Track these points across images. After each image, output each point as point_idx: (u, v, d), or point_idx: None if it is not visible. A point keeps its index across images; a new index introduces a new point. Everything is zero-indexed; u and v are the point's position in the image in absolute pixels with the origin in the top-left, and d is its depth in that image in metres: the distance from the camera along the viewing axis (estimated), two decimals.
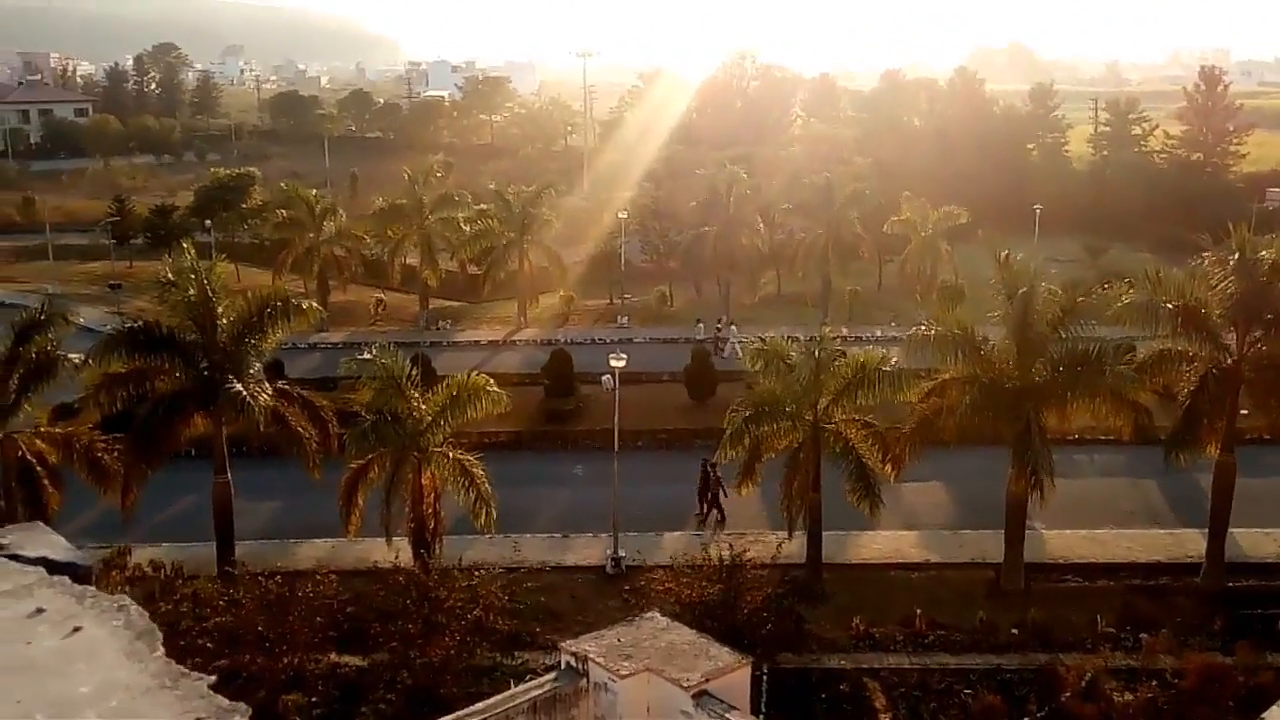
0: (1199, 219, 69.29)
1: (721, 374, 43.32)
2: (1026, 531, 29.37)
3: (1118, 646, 25.56)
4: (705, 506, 33.63)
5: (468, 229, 57.66)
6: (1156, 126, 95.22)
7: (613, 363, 31.87)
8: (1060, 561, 30.90)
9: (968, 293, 50.82)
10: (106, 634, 1.73)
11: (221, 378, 27.64)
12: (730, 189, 58.12)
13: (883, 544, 31.77)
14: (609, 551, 30.75)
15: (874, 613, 27.25)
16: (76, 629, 1.74)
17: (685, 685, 11.99)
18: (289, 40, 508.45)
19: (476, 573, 24.73)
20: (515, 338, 55.44)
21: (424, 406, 27.42)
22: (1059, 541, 31.89)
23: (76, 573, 1.96)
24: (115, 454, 27.45)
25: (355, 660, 24.01)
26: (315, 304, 34.07)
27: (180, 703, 1.62)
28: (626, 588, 28.59)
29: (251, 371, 28.43)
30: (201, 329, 28.36)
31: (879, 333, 49.90)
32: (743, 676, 12.81)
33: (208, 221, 66.48)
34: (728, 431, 28.38)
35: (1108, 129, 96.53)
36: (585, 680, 12.47)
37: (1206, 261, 30.87)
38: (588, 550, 31.70)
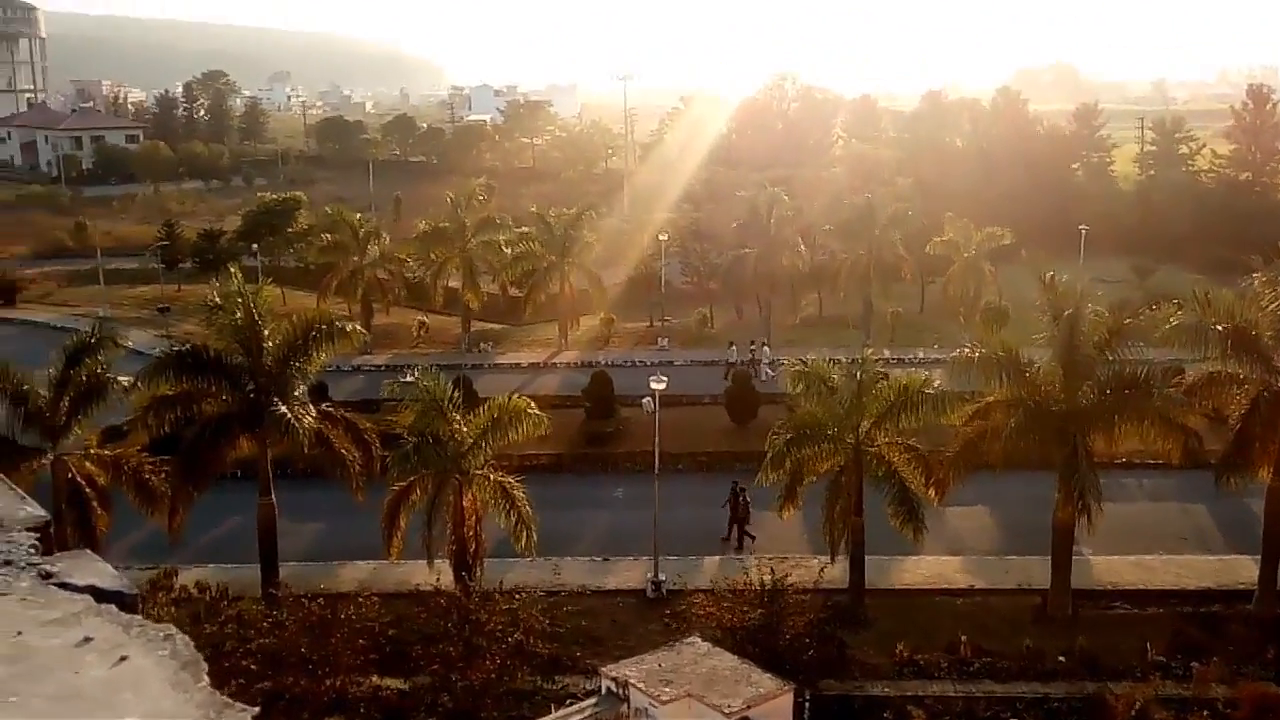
0: (1248, 239, 68.52)
1: (763, 396, 43.16)
2: (1074, 557, 28.92)
3: (1168, 675, 25.07)
4: (733, 530, 33.51)
5: (509, 252, 58.04)
6: (1204, 145, 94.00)
7: (653, 385, 31.87)
8: (1109, 588, 30.38)
9: (1012, 314, 50.41)
10: (153, 664, 1.74)
11: (267, 400, 27.95)
12: (771, 210, 58.08)
13: (927, 569, 31.42)
14: (649, 575, 30.65)
15: (918, 639, 26.92)
16: (123, 658, 1.75)
17: (727, 712, 11.91)
18: (335, 66, 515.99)
19: (517, 596, 24.75)
20: (556, 360, 55.62)
21: (465, 429, 27.57)
22: (1107, 567, 31.37)
23: (124, 601, 1.98)
24: (163, 476, 27.80)
25: (397, 683, 24.08)
26: (359, 327, 34.36)
27: None
28: (667, 612, 28.47)
29: (296, 394, 28.75)
30: (248, 352, 28.72)
31: (921, 355, 49.56)
32: (785, 703, 12.71)
33: (254, 246, 67.41)
34: (769, 454, 28.23)
35: (1154, 148, 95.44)
36: (626, 705, 12.42)
37: (1257, 282, 30.42)
38: (628, 574, 31.62)
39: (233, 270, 31.67)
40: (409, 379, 29.05)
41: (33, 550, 2.14)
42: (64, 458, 27.22)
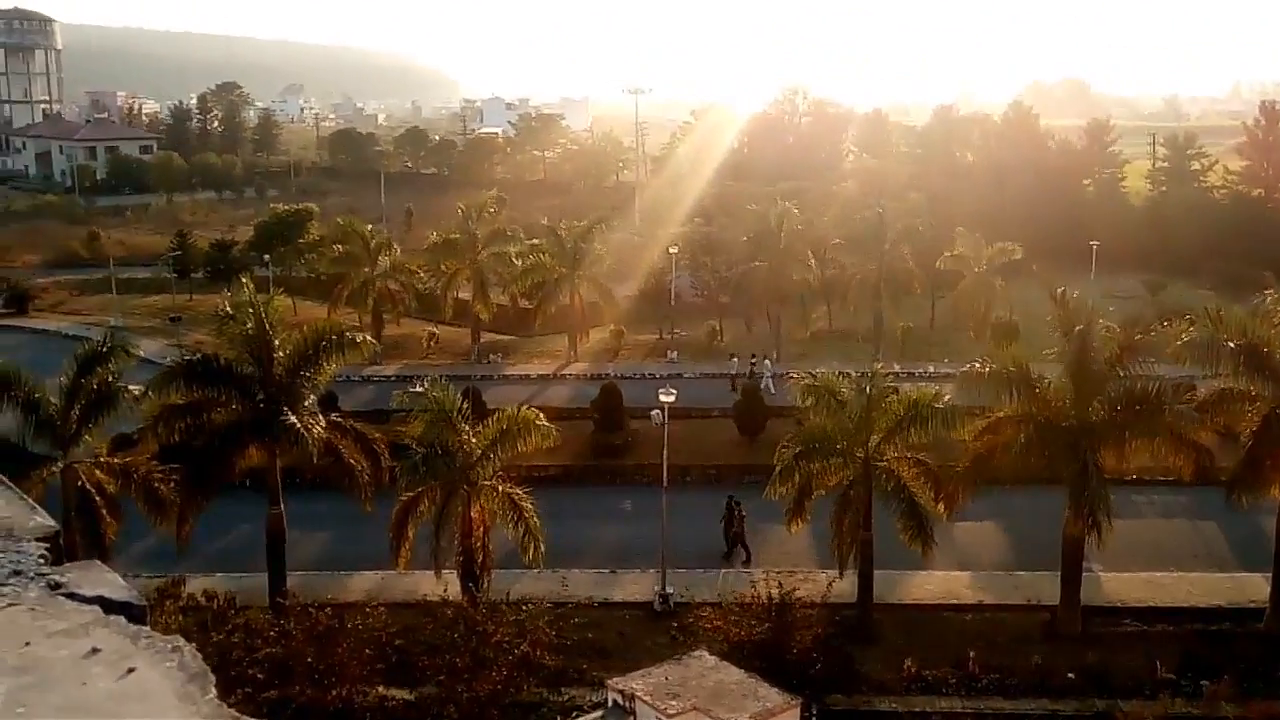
0: (1261, 255, 68.50)
1: (772, 410, 43.11)
2: (1084, 573, 28.80)
3: (1178, 693, 24.92)
4: (731, 544, 33.44)
5: (519, 264, 58.14)
6: (1216, 161, 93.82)
7: (662, 398, 31.88)
8: (1118, 605, 30.22)
9: (1022, 329, 50.26)
10: (160, 675, 1.75)
11: (277, 410, 28.01)
12: (781, 224, 58.07)
13: (935, 584, 31.30)
14: (657, 588, 30.60)
15: (926, 654, 26.81)
16: (131, 670, 1.76)
17: None
18: (348, 79, 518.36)
19: (524, 607, 24.73)
20: (565, 372, 55.66)
21: (474, 440, 27.60)
22: (1117, 584, 31.22)
23: (132, 612, 1.99)
24: (172, 484, 27.88)
25: (403, 694, 24.06)
26: (369, 337, 34.43)
27: None
28: (674, 625, 28.41)
29: (306, 404, 28.80)
30: (258, 362, 28.81)
31: (931, 369, 49.44)
32: (792, 718, 12.67)
33: (266, 256, 67.70)
34: (778, 468, 28.20)
35: (1166, 164, 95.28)
36: (632, 718, 12.39)
37: (1269, 298, 30.32)
38: (635, 586, 31.57)
39: (244, 280, 31.80)
40: (418, 390, 29.12)
41: (42, 560, 2.15)
42: (74, 465, 27.32)
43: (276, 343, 29.02)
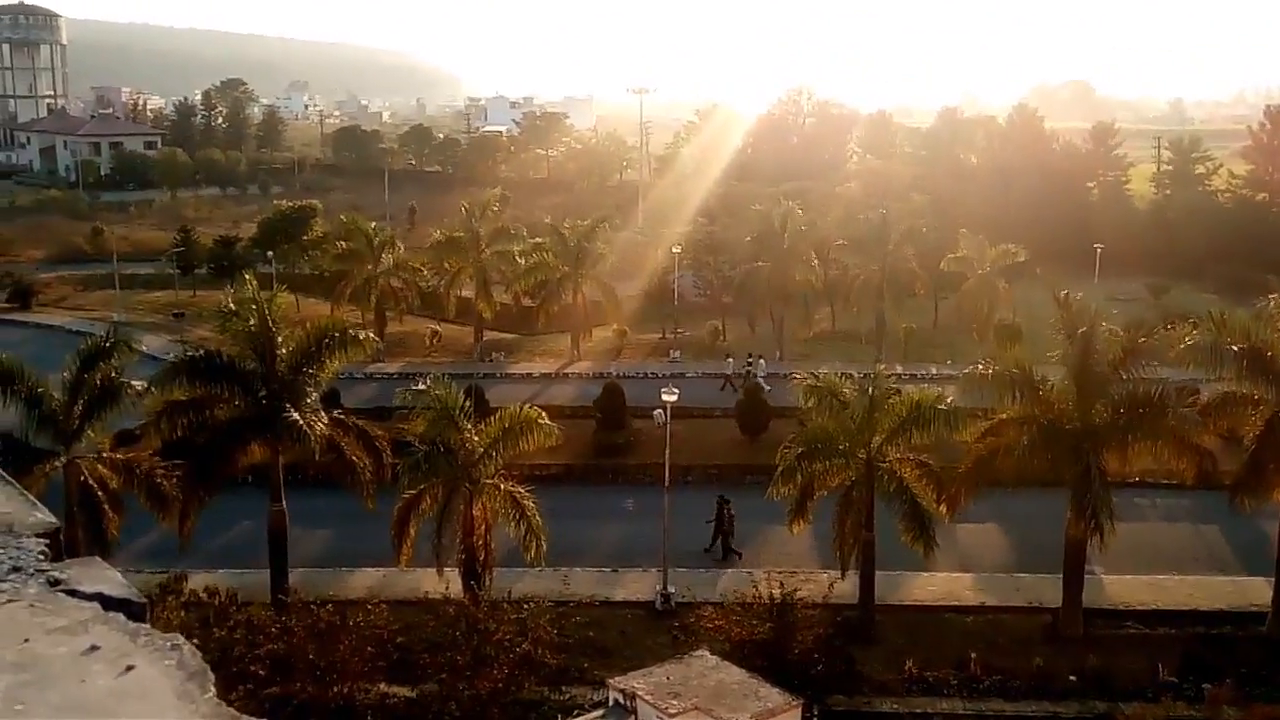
0: (1265, 259, 68.45)
1: (774, 410, 43.09)
2: (1085, 576, 28.78)
3: (1180, 696, 24.89)
4: (716, 542, 33.43)
5: (523, 262, 58.14)
6: (1220, 165, 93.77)
7: (664, 397, 31.87)
8: (1120, 607, 30.19)
9: (1026, 332, 50.22)
10: (159, 673, 1.74)
11: (279, 406, 28.02)
12: (785, 224, 58.06)
13: (937, 586, 31.28)
14: (658, 587, 30.59)
15: (927, 656, 26.80)
16: (130, 667, 1.75)
17: None
18: (353, 76, 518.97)
19: (526, 606, 24.72)
20: (568, 370, 55.65)
21: (477, 438, 27.60)
22: (1119, 587, 31.19)
23: (131, 609, 1.98)
24: (175, 480, 27.88)
25: (404, 691, 24.06)
26: (372, 335, 34.44)
27: None
28: (676, 624, 28.40)
29: (309, 400, 28.81)
30: (261, 358, 28.82)
31: (934, 371, 49.43)
32: (793, 718, 12.65)
33: (270, 253, 67.73)
34: (780, 468, 28.19)
35: (1170, 168, 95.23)
36: (634, 718, 12.38)
37: (1273, 302, 30.28)
38: (637, 585, 31.57)
39: (247, 277, 31.81)
40: (421, 387, 29.10)
41: (42, 557, 2.14)
42: (77, 461, 27.33)
43: (279, 339, 29.03)
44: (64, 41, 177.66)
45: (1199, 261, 73.35)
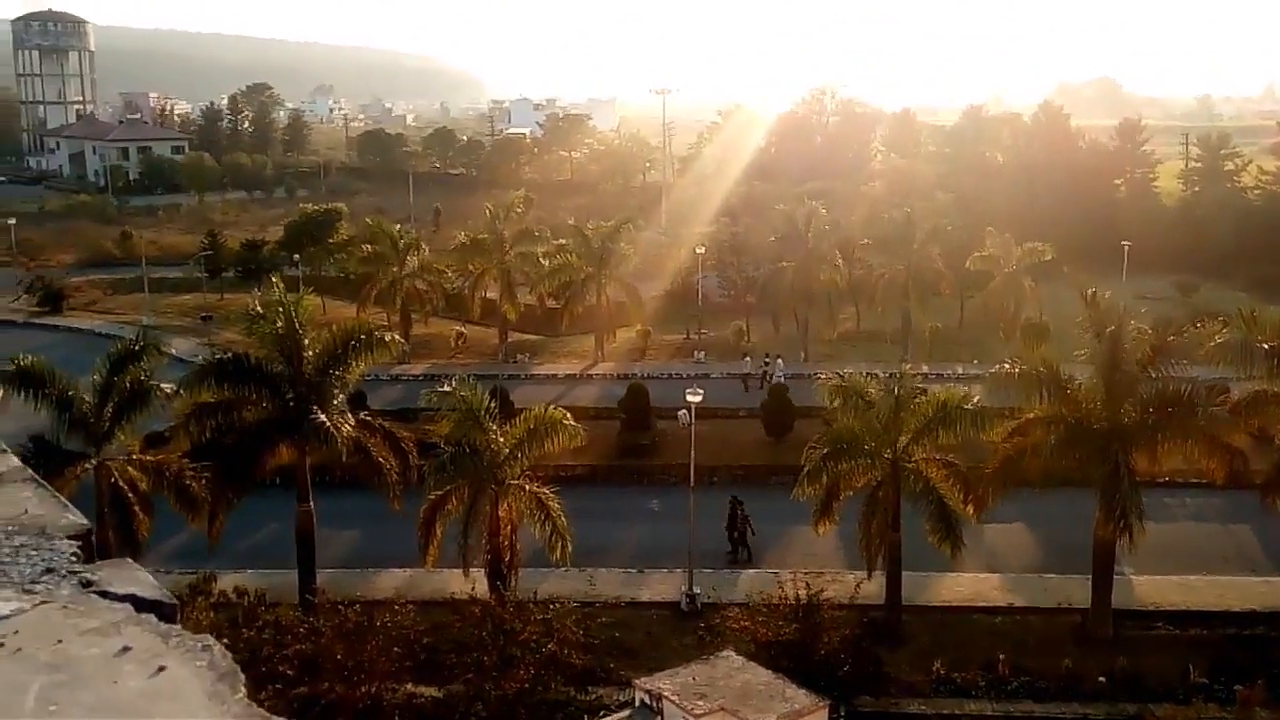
0: None
1: (799, 410, 42.99)
2: (1115, 576, 28.53)
3: (1211, 698, 24.64)
4: (733, 544, 33.33)
5: (547, 263, 58.24)
6: (1250, 162, 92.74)
7: (689, 398, 31.85)
8: (1150, 608, 29.92)
9: (1053, 331, 49.88)
10: (190, 674, 1.75)
11: (306, 408, 28.19)
12: (809, 224, 57.89)
13: (964, 586, 31.10)
14: (684, 588, 30.57)
15: (955, 657, 26.65)
16: (161, 668, 1.76)
17: None
18: (377, 80, 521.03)
19: (551, 606, 24.77)
20: (592, 372, 55.71)
21: (502, 439, 27.67)
22: (1149, 587, 30.91)
23: (163, 610, 1.99)
24: (203, 482, 28.12)
25: (431, 691, 24.16)
26: (397, 337, 34.64)
27: None
28: (701, 625, 28.37)
29: (335, 402, 28.97)
30: (288, 360, 29.00)
31: (960, 370, 49.13)
32: (819, 719, 12.61)
33: (296, 255, 68.16)
34: (805, 469, 28.11)
35: (1199, 164, 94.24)
36: (660, 718, 12.37)
37: None
38: (662, 586, 31.55)
39: (274, 279, 32.05)
40: (446, 389, 29.20)
41: (74, 558, 2.16)
42: (107, 463, 27.59)
43: (306, 342, 29.21)
44: (92, 48, 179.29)
45: (1228, 259, 72.59)
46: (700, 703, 12.33)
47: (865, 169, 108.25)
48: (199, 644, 1.79)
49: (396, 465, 29.07)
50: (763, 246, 63.50)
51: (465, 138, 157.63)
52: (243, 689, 1.69)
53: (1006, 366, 29.13)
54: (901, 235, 57.87)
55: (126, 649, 1.80)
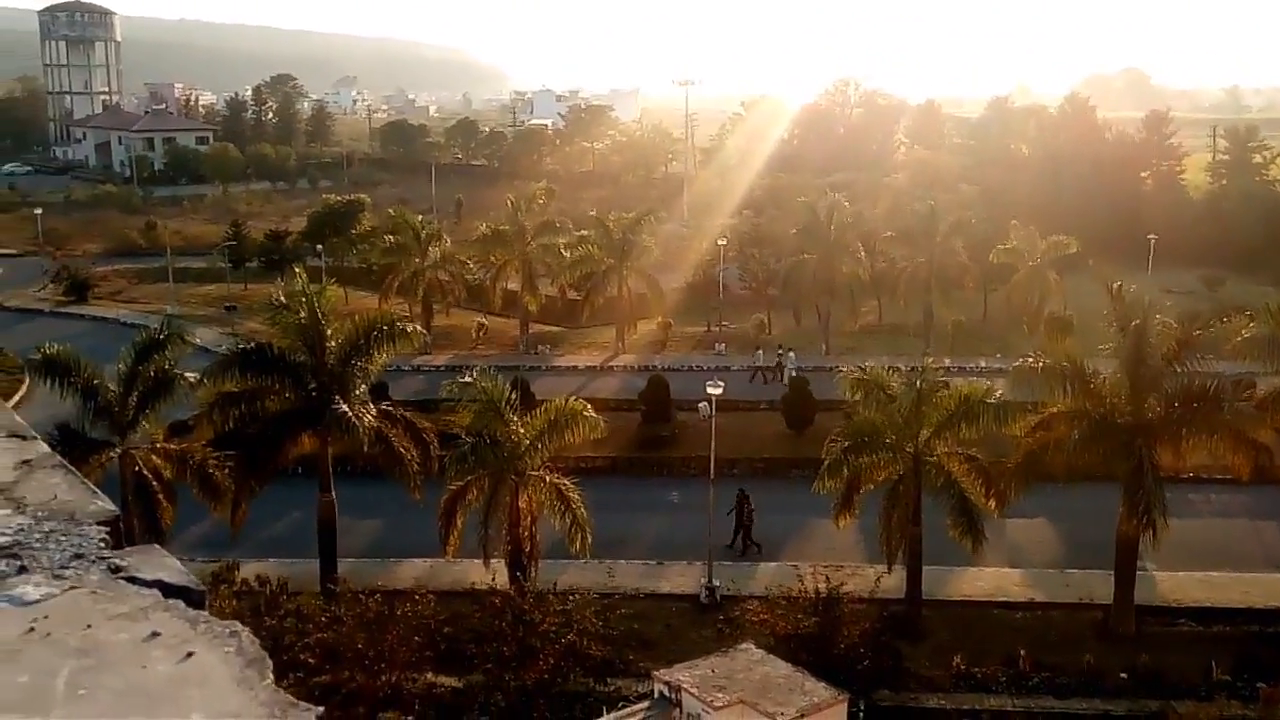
0: None
1: (820, 403, 42.89)
2: (1138, 572, 28.35)
3: (1234, 695, 24.47)
4: (738, 537, 33.30)
5: (568, 255, 58.28)
6: (1278, 154, 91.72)
7: (709, 390, 31.82)
8: (1173, 605, 29.73)
9: (1077, 324, 49.54)
10: (218, 660, 1.76)
11: (329, 398, 28.34)
12: (831, 216, 57.66)
13: (985, 581, 30.98)
14: (703, 580, 30.58)
15: (975, 652, 26.56)
16: (190, 654, 1.77)
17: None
18: (400, 71, 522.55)
19: (571, 597, 24.82)
20: (613, 363, 55.72)
21: (522, 430, 27.73)
22: (1172, 584, 30.70)
23: (190, 596, 2.00)
24: (226, 471, 28.31)
25: (451, 681, 24.27)
26: (419, 327, 34.72)
27: None
28: (720, 618, 28.37)
29: (357, 393, 29.11)
30: (311, 351, 29.15)
31: (983, 364, 48.90)
32: (839, 713, 12.60)
33: (319, 246, 68.45)
34: (826, 462, 28.06)
35: (1226, 157, 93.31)
36: (678, 710, 12.40)
37: None
38: (682, 578, 31.58)
39: (297, 270, 32.19)
40: (467, 380, 29.28)
41: (103, 544, 2.17)
42: (132, 451, 27.83)
43: (329, 332, 29.34)
44: (118, 39, 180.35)
45: (1255, 253, 71.85)
46: (719, 695, 12.34)
47: (889, 161, 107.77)
48: (227, 630, 1.81)
49: (417, 455, 29.18)
50: (785, 239, 63.30)
51: (487, 129, 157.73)
52: (270, 675, 1.70)
53: (1030, 360, 28.95)
54: (925, 228, 57.59)
55: (155, 634, 1.82)
